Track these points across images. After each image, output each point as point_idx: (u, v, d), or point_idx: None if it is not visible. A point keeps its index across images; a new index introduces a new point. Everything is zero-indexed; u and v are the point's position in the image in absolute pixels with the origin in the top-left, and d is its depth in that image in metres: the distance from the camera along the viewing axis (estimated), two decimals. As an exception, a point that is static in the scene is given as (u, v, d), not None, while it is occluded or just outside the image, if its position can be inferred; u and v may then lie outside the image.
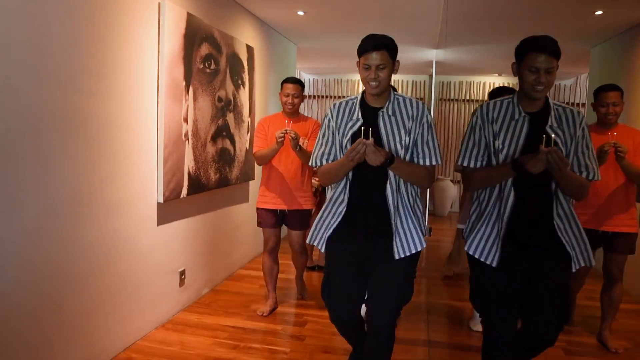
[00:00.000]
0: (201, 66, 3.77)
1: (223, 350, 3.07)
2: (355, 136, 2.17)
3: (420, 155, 2.20)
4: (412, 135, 2.19)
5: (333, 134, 2.27)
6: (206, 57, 3.83)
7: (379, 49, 2.10)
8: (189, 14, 3.51)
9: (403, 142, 2.18)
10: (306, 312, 3.78)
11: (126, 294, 3.03)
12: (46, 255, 2.38)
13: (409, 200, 2.22)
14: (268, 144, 3.50)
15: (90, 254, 2.69)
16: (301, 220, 3.65)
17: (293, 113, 3.61)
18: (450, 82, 8.85)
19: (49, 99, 2.35)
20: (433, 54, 6.71)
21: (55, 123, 2.40)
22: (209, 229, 4.16)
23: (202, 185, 3.87)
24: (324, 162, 2.28)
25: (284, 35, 5.92)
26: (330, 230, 2.28)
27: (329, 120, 2.29)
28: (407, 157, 2.19)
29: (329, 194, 2.32)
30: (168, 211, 3.48)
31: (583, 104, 7.94)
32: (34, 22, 2.24)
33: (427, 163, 2.21)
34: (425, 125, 2.20)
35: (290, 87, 3.54)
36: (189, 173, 3.65)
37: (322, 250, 2.34)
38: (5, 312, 2.16)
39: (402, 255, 2.19)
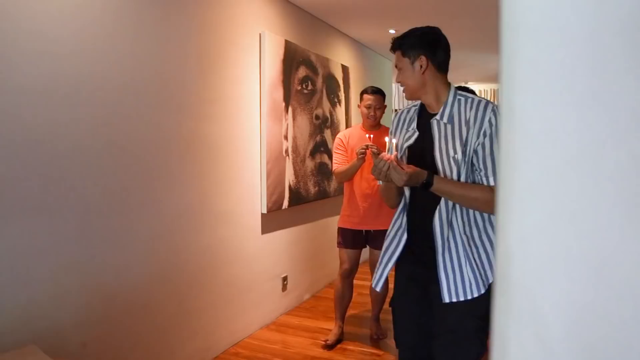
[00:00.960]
0: (299, 87, 4.09)
1: (320, 350, 3.30)
2: (411, 150, 1.84)
3: (483, 173, 1.70)
4: (469, 147, 1.70)
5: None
6: (303, 79, 4.15)
7: (393, 50, 1.86)
8: (286, 41, 3.86)
9: (457, 157, 1.72)
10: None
11: (234, 295, 3.38)
12: (168, 257, 2.78)
13: (464, 231, 1.75)
14: (348, 159, 3.28)
15: (203, 257, 3.06)
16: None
17: (375, 125, 3.32)
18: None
19: (169, 124, 2.76)
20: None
21: (175, 144, 2.80)
22: (309, 238, 4.45)
23: (302, 198, 4.18)
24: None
25: (378, 52, 6.14)
26: (394, 259, 1.89)
27: (391, 133, 1.97)
28: (463, 176, 1.72)
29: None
30: (271, 221, 3.81)
31: None
32: (159, 62, 2.66)
33: (491, 182, 1.69)
34: (488, 132, 1.69)
35: (370, 98, 3.27)
36: (289, 186, 3.97)
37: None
38: (138, 302, 2.56)
39: (453, 300, 1.74)
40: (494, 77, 8.15)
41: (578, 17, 0.33)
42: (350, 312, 3.98)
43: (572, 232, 0.34)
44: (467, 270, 1.73)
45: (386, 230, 3.13)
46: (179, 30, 2.81)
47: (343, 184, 3.49)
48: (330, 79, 4.64)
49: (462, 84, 8.33)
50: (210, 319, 3.14)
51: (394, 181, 1.69)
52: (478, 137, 1.69)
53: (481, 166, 1.70)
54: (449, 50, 1.83)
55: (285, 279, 4.04)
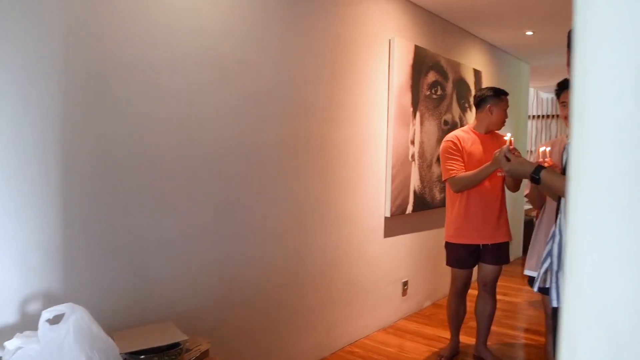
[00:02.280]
0: (428, 92, 4.06)
1: (436, 358, 3.25)
2: None
3: None
4: None
5: None
6: (432, 84, 4.12)
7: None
8: (416, 47, 3.86)
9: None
10: (518, 334, 3.71)
11: (354, 295, 3.46)
12: (292, 254, 2.93)
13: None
14: (465, 166, 2.95)
15: (325, 256, 3.18)
16: (502, 254, 3.05)
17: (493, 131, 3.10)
18: None
19: (299, 127, 2.91)
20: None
21: (304, 146, 2.95)
22: (432, 245, 4.39)
23: (427, 204, 4.14)
24: None
25: (514, 55, 5.86)
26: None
27: None
28: None
29: None
30: (394, 225, 3.83)
31: None
32: (291, 68, 2.83)
33: None
34: None
35: (507, 102, 3.05)
36: (414, 191, 3.96)
37: None
38: (262, 294, 2.74)
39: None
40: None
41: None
42: (470, 323, 3.85)
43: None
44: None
45: (504, 242, 3.05)
46: (310, 38, 2.96)
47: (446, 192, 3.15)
48: (461, 83, 4.54)
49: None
50: (329, 316, 3.25)
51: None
52: None
53: None
54: None
55: (405, 283, 4.04)
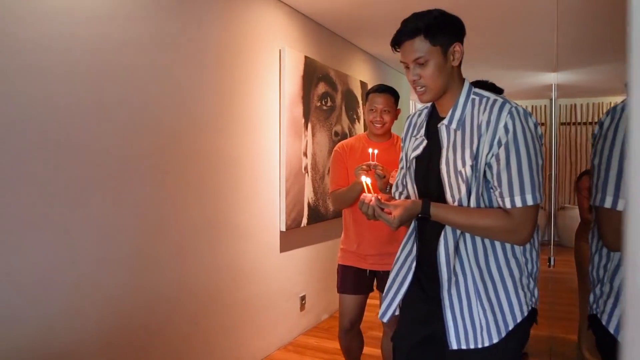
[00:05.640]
0: (318, 104, 4.05)
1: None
2: (419, 163, 1.56)
3: (498, 192, 1.37)
4: (480, 159, 1.38)
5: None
6: (323, 95, 4.12)
7: (412, 36, 1.39)
8: (306, 57, 3.83)
9: (465, 171, 1.39)
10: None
11: (252, 315, 3.30)
12: (185, 275, 2.72)
13: (476, 262, 1.43)
14: (351, 178, 2.51)
15: (220, 275, 3.00)
16: None
17: (382, 135, 2.53)
18: (575, 105, 8.41)
19: (190, 139, 2.72)
20: (552, 77, 6.48)
21: (196, 159, 2.77)
22: (327, 257, 4.37)
23: (321, 215, 4.11)
24: (397, 196, 1.72)
25: (395, 68, 6.11)
26: (404, 289, 1.59)
27: (404, 137, 1.70)
28: (473, 196, 1.40)
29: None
30: (289, 239, 3.74)
31: None
32: (178, 77, 2.64)
33: (507, 204, 1.34)
34: (504, 140, 1.34)
35: (379, 99, 2.45)
36: (308, 204, 3.91)
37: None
38: (154, 323, 2.50)
39: (461, 347, 1.43)
40: (518, 94, 8.06)
41: None
42: (368, 332, 3.80)
43: None
44: (478, 311, 1.42)
45: None
46: (198, 45, 2.79)
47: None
48: (349, 95, 4.60)
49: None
50: (227, 339, 3.07)
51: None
52: (491, 148, 1.35)
53: (495, 183, 1.36)
54: None
55: (303, 298, 3.96)
